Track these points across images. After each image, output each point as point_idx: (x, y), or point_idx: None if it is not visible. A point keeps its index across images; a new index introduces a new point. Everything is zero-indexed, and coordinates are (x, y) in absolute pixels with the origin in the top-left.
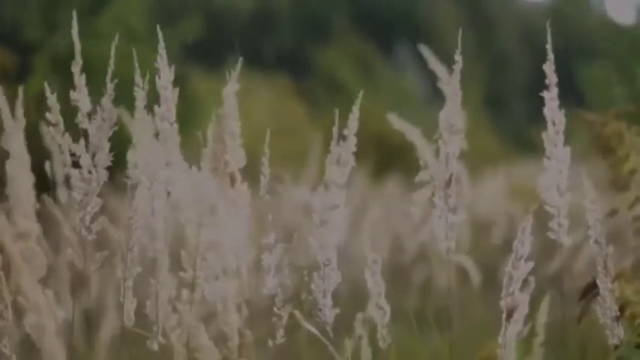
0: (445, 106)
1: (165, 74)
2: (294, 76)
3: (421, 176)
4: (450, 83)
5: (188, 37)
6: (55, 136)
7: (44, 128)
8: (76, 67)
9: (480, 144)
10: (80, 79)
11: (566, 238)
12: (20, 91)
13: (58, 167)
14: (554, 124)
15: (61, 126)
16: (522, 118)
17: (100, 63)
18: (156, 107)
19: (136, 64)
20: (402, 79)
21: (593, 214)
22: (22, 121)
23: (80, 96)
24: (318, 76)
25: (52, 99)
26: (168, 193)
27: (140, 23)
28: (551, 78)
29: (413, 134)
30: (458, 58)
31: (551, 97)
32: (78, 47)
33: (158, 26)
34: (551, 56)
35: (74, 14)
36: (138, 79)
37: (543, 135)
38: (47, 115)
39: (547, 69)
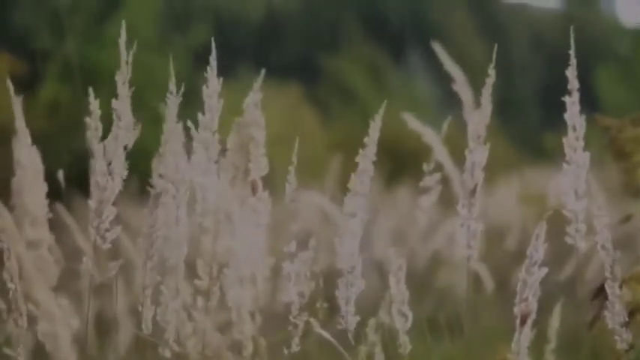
0: (473, 117)
1: (213, 84)
2: (305, 83)
3: (426, 182)
4: (467, 96)
5: (198, 44)
6: (92, 142)
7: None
8: (121, 76)
9: (491, 150)
10: (124, 88)
11: (583, 243)
12: (29, 99)
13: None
14: (574, 129)
15: (100, 131)
16: (534, 125)
17: (107, 70)
18: (199, 115)
19: (172, 72)
20: (414, 85)
21: (601, 220)
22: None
23: (121, 105)
24: (329, 83)
25: (94, 104)
26: (197, 202)
27: (149, 31)
28: (573, 83)
29: (429, 135)
30: (491, 72)
31: (572, 101)
32: (124, 56)
33: (213, 39)
34: (573, 61)
35: (123, 23)
36: (172, 86)
37: (564, 140)
38: (87, 120)
39: (569, 74)
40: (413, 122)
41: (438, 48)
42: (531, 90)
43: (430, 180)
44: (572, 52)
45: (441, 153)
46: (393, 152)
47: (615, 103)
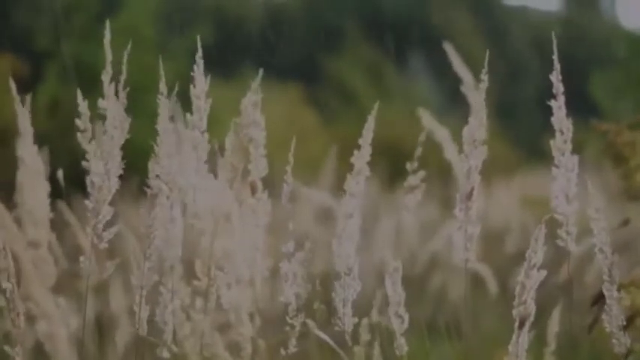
0: (469, 121)
1: (201, 83)
2: (306, 84)
3: (410, 181)
4: (475, 99)
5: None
6: (83, 142)
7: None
8: (106, 76)
9: (492, 153)
10: (109, 88)
11: (575, 245)
12: (30, 98)
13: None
14: (562, 132)
15: (90, 132)
16: (534, 127)
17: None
18: (188, 115)
19: (162, 73)
20: (414, 86)
21: (598, 223)
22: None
23: (109, 104)
24: (330, 84)
25: (83, 106)
26: (188, 202)
27: (149, 31)
28: (558, 87)
29: (441, 134)
30: (484, 77)
31: (558, 105)
32: (109, 57)
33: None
34: (557, 65)
35: (108, 24)
36: (163, 87)
37: (551, 143)
38: (77, 121)
39: (553, 78)
40: (427, 119)
41: (449, 48)
42: (531, 92)
43: (414, 179)
44: (555, 56)
45: (451, 152)
46: (394, 153)
47: (614, 106)
